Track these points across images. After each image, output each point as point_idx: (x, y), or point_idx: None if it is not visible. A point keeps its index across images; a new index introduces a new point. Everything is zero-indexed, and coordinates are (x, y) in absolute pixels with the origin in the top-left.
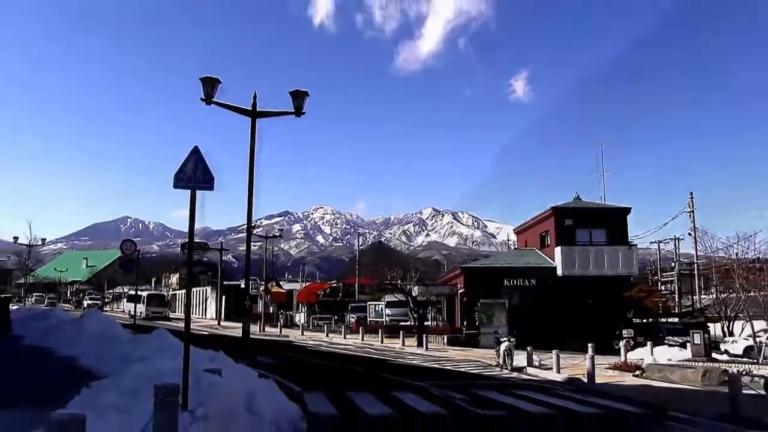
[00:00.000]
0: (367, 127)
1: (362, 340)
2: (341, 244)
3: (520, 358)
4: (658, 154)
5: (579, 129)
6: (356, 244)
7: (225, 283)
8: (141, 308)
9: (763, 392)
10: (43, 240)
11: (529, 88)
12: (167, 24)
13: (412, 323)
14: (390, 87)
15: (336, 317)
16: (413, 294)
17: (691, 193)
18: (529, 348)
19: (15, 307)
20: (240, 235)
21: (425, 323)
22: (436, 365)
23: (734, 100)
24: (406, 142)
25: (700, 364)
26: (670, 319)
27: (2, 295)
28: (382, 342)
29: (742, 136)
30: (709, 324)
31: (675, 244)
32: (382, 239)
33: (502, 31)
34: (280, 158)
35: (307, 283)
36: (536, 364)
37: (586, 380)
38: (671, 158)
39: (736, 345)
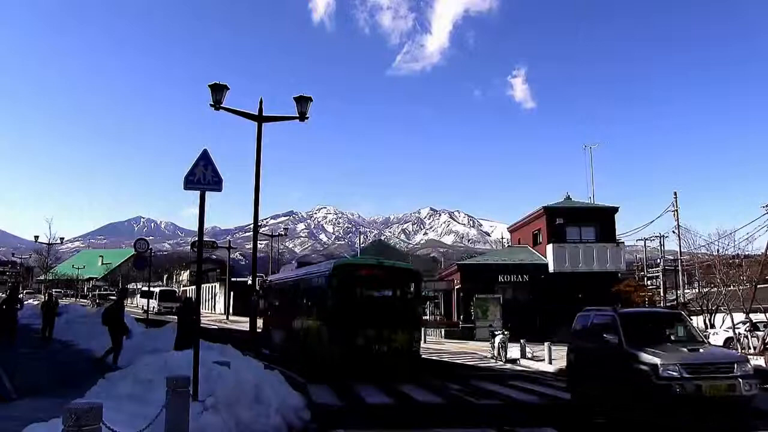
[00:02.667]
0: (367, 128)
1: None
2: (343, 242)
3: (513, 350)
4: (647, 153)
5: (571, 129)
6: (357, 242)
7: (233, 279)
8: (153, 303)
9: None
10: (62, 239)
11: (524, 87)
12: (173, 26)
13: None
14: (390, 88)
15: None
16: None
17: (675, 193)
18: (522, 340)
19: (36, 302)
20: (247, 234)
21: (423, 317)
22: (433, 357)
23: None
24: (405, 143)
25: None
26: None
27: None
28: None
29: (729, 136)
30: (691, 317)
31: (660, 242)
32: (382, 238)
33: (502, 30)
34: (285, 160)
35: None
36: (529, 355)
37: None
38: (658, 158)
39: (717, 337)
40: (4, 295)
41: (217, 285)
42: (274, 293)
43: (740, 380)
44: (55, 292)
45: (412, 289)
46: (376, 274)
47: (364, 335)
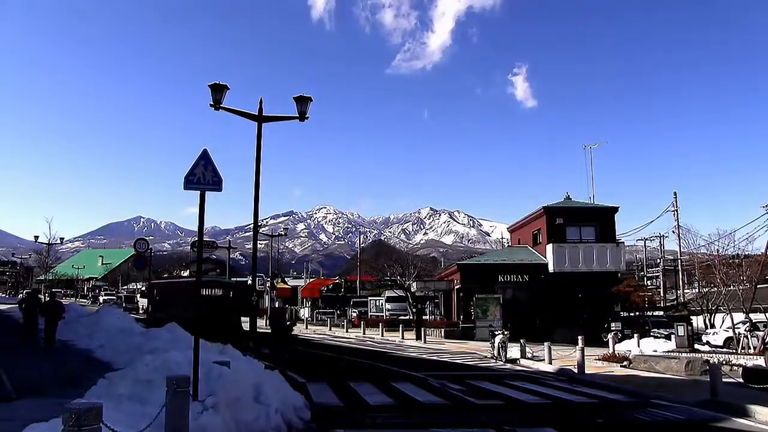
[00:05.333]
0: (367, 128)
1: (363, 333)
2: (343, 242)
3: (513, 350)
4: (647, 153)
5: (571, 128)
6: (357, 242)
7: (233, 279)
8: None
9: (741, 380)
10: (62, 239)
11: (525, 85)
12: (171, 24)
13: (411, 317)
14: (390, 87)
15: (338, 312)
16: (412, 290)
17: (675, 193)
18: (522, 340)
19: None
20: (247, 233)
21: (423, 317)
22: (433, 357)
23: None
24: (405, 142)
25: (683, 355)
26: (656, 313)
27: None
28: (382, 335)
29: (729, 136)
30: (691, 317)
31: (660, 242)
32: (382, 238)
33: (504, 28)
34: (285, 159)
35: (311, 280)
36: (529, 355)
37: (576, 371)
38: (658, 158)
39: (717, 336)
40: (4, 294)
41: None
42: (161, 290)
43: None
44: (55, 291)
45: (238, 293)
46: (217, 286)
47: (217, 314)
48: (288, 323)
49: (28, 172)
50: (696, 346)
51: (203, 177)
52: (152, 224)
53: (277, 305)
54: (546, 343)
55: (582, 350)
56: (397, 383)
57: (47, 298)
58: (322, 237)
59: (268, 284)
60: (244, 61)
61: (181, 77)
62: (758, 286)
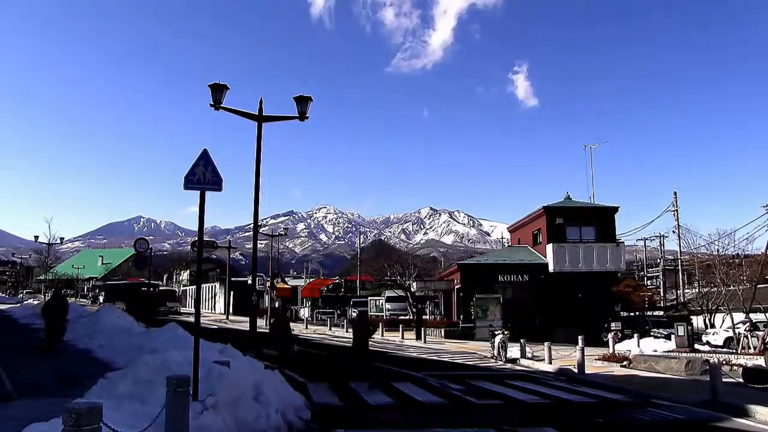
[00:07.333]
0: (367, 127)
1: None
2: (343, 242)
3: (513, 350)
4: (647, 153)
5: (572, 128)
6: (357, 242)
7: (233, 279)
8: None
9: (741, 380)
10: (62, 239)
11: (526, 84)
12: (171, 25)
13: (411, 317)
14: (391, 86)
15: (338, 312)
16: (412, 289)
17: (675, 192)
18: (522, 340)
19: (36, 302)
20: (247, 233)
21: (423, 317)
22: (433, 357)
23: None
24: (406, 142)
25: (683, 354)
26: (656, 313)
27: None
28: (382, 335)
29: (729, 136)
30: (691, 317)
31: (660, 242)
32: (382, 237)
33: (505, 27)
34: (285, 159)
35: (311, 280)
36: (529, 355)
37: (576, 371)
38: (658, 157)
39: (717, 336)
40: (4, 294)
41: (217, 285)
42: (112, 288)
43: None
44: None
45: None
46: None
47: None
48: (370, 328)
49: (28, 172)
50: (696, 346)
51: (203, 177)
52: (152, 224)
53: (276, 305)
54: (546, 343)
55: (582, 350)
56: (397, 383)
57: (51, 295)
58: (322, 237)
59: (268, 284)
60: (244, 61)
61: (181, 77)
62: (758, 286)
